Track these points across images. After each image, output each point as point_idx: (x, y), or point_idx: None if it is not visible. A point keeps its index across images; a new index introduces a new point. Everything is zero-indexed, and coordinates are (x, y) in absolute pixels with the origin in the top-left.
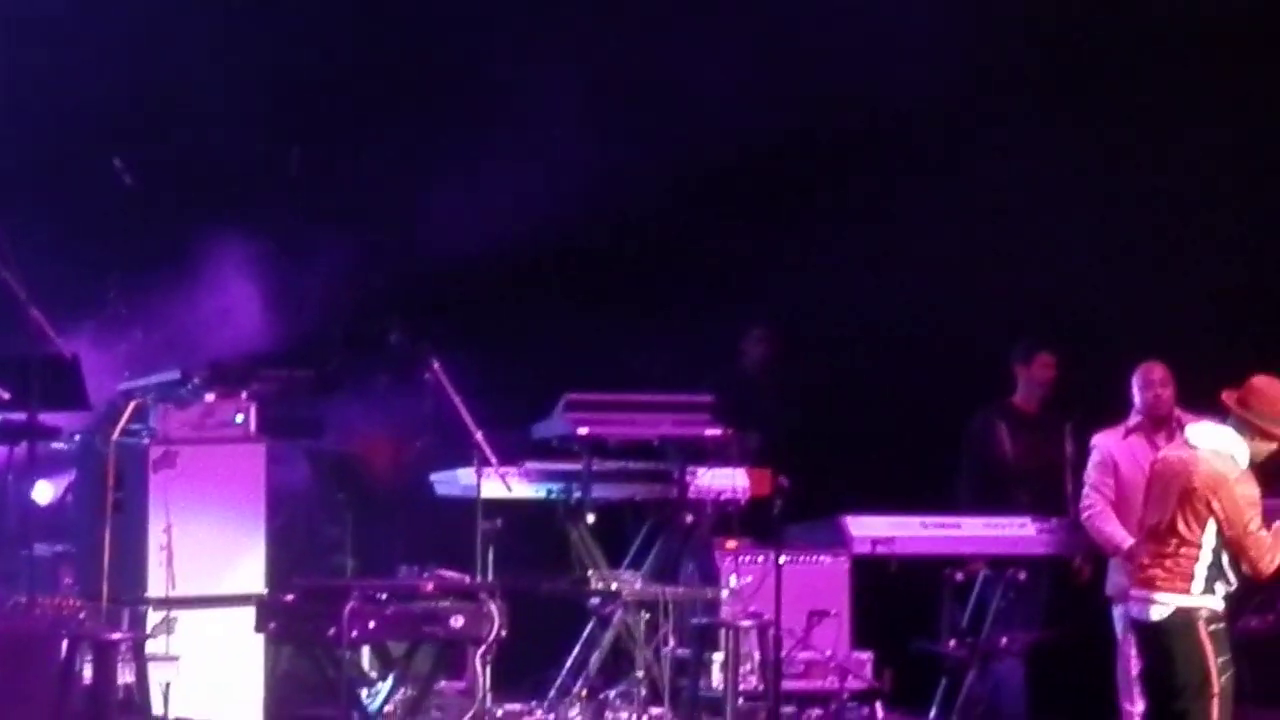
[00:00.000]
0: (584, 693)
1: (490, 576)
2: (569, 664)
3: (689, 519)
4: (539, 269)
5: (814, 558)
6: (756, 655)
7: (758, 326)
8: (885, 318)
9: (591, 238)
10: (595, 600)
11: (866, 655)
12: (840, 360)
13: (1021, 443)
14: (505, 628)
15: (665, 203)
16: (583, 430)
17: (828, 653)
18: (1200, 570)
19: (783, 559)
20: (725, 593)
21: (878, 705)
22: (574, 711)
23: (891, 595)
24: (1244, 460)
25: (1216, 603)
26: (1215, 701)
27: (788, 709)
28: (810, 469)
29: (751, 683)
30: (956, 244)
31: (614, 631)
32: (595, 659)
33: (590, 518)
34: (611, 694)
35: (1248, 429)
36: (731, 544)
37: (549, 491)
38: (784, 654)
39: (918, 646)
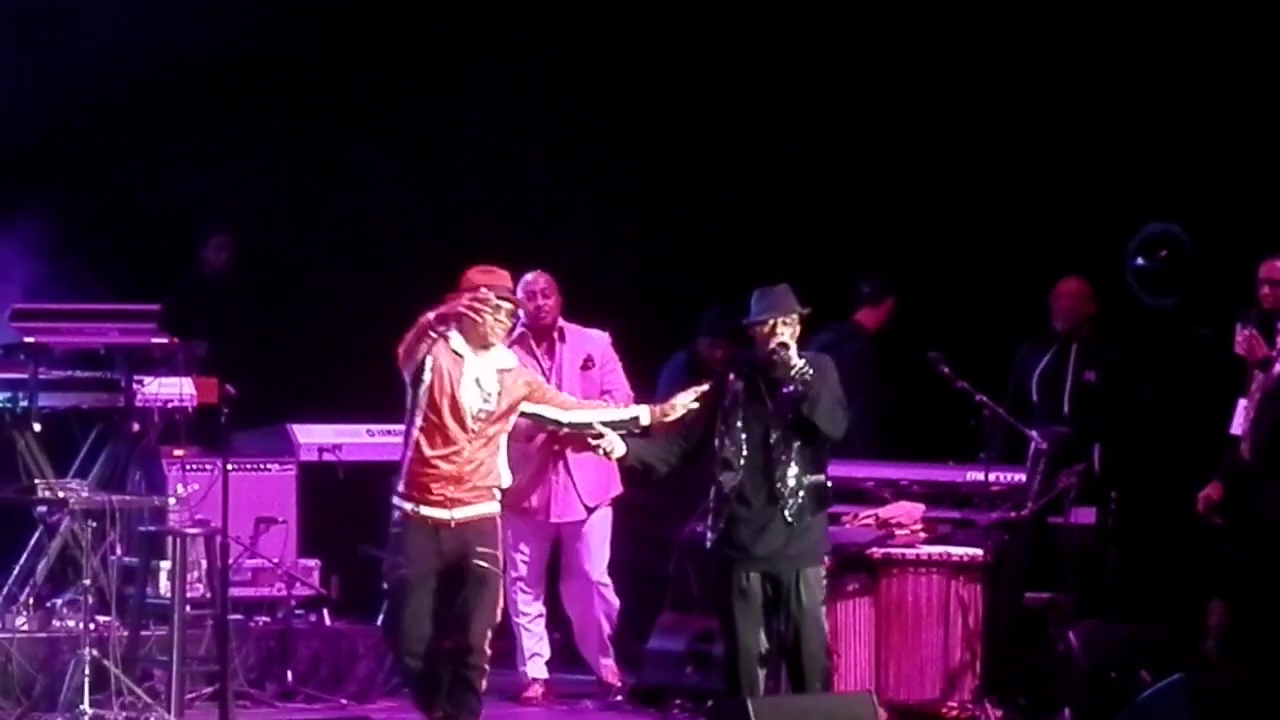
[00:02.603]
0: (31, 601)
1: None
2: (16, 572)
3: (136, 427)
4: None
5: (261, 465)
6: (204, 563)
7: (217, 234)
8: (337, 229)
9: (41, 146)
10: (42, 508)
11: (314, 562)
12: (296, 267)
13: None
14: None
15: (121, 103)
16: (29, 338)
17: (275, 560)
18: None
19: (230, 466)
20: (173, 500)
21: (325, 612)
22: (21, 620)
23: (339, 502)
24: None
25: None
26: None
27: (235, 616)
28: (260, 377)
29: (199, 590)
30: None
31: (61, 540)
32: (42, 567)
33: (37, 426)
34: (59, 602)
35: None
36: (179, 452)
37: None
38: (231, 562)
39: (365, 553)
